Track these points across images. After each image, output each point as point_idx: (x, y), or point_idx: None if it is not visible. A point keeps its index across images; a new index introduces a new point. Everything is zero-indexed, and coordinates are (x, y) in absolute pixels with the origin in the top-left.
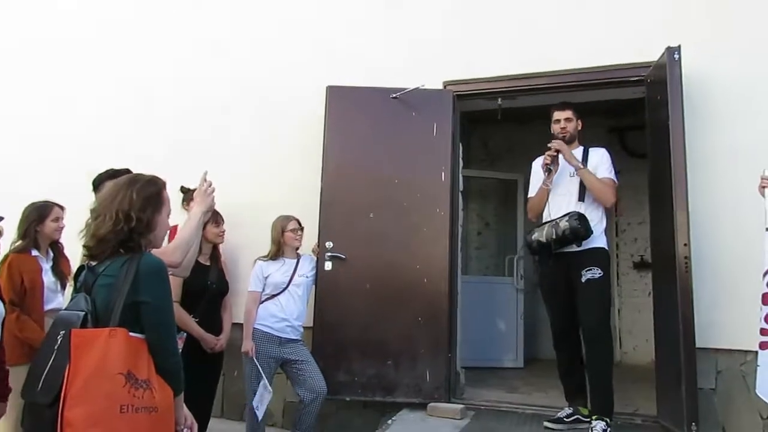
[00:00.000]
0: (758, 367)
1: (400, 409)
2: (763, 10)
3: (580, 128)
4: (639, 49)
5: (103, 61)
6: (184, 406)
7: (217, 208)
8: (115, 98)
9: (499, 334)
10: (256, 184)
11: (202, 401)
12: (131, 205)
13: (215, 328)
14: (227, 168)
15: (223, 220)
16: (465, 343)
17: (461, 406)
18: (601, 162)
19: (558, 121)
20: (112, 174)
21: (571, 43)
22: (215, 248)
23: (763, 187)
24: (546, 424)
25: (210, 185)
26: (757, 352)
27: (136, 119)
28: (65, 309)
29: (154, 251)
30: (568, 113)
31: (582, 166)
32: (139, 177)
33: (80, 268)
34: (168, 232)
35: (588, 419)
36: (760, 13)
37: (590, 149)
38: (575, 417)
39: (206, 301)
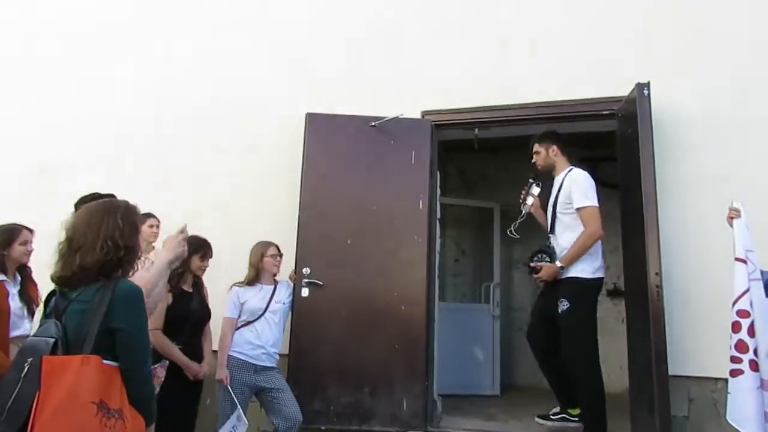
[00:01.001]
0: (729, 394)
1: None
2: (724, 48)
3: (556, 153)
4: (610, 84)
5: (69, 71)
6: None
7: (195, 233)
8: (91, 122)
9: (476, 361)
10: (234, 210)
11: (183, 428)
12: (121, 234)
13: (197, 355)
14: (205, 194)
15: (211, 255)
16: (442, 370)
17: None
18: (573, 188)
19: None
20: (96, 198)
21: (546, 76)
22: (200, 278)
23: (731, 217)
24: (537, 420)
25: (185, 236)
26: (727, 380)
27: (104, 137)
28: (34, 335)
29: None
30: (535, 147)
31: (565, 266)
32: (117, 203)
33: (51, 293)
34: None
35: (575, 419)
36: (721, 52)
37: (570, 171)
38: (561, 416)
39: (189, 327)
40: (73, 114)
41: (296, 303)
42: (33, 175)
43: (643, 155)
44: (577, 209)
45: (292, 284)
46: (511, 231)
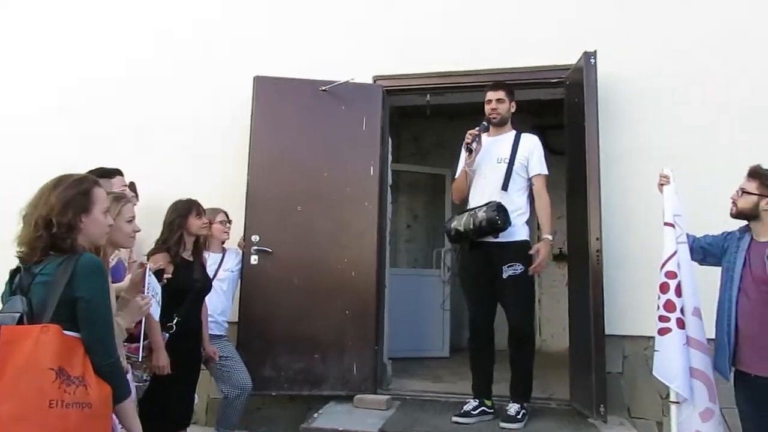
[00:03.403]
0: (657, 352)
1: (327, 402)
2: (669, 23)
3: (513, 111)
4: (560, 52)
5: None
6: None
7: (141, 199)
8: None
9: (426, 325)
10: (179, 175)
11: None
12: (51, 211)
13: (198, 328)
14: (148, 158)
15: (204, 211)
16: (393, 334)
17: (387, 396)
18: (533, 152)
19: (489, 101)
20: (102, 174)
21: (497, 43)
22: (198, 242)
23: (662, 184)
24: (454, 419)
25: (147, 303)
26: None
27: (43, 109)
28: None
29: None
30: (500, 94)
31: (551, 238)
32: (64, 178)
33: (15, 271)
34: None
35: (492, 410)
36: (667, 26)
37: (523, 135)
38: (481, 409)
39: (190, 300)
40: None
41: (245, 271)
42: None
43: (588, 124)
44: (536, 175)
45: (241, 252)
46: (468, 170)
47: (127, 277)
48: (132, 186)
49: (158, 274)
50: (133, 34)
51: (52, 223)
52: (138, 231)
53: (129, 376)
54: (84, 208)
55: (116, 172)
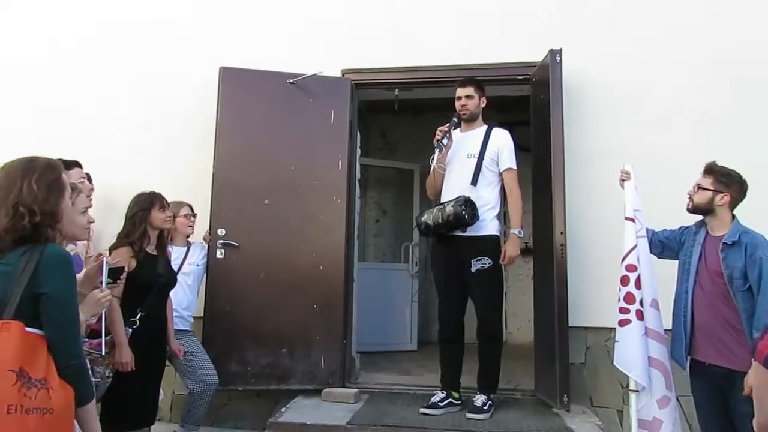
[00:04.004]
0: (617, 342)
1: (295, 396)
2: (632, 25)
3: (484, 104)
4: (527, 49)
5: None
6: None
7: (99, 190)
8: None
9: (395, 318)
10: (143, 167)
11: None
12: (34, 198)
13: (162, 323)
14: (110, 147)
15: (168, 204)
16: (361, 328)
17: (355, 390)
18: (504, 147)
19: (459, 98)
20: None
21: (464, 39)
22: (161, 235)
23: (623, 180)
24: (422, 410)
25: (106, 297)
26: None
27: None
28: None
29: None
30: (469, 90)
31: (519, 234)
32: (34, 163)
33: None
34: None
35: (459, 402)
36: (630, 27)
37: (494, 130)
38: (448, 400)
39: (154, 295)
40: None
41: (211, 265)
42: None
43: (554, 120)
44: (507, 170)
45: (206, 246)
46: (435, 166)
47: (83, 271)
48: (88, 177)
49: (116, 271)
50: (94, 20)
51: (35, 212)
52: (92, 222)
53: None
54: (60, 195)
55: (74, 164)
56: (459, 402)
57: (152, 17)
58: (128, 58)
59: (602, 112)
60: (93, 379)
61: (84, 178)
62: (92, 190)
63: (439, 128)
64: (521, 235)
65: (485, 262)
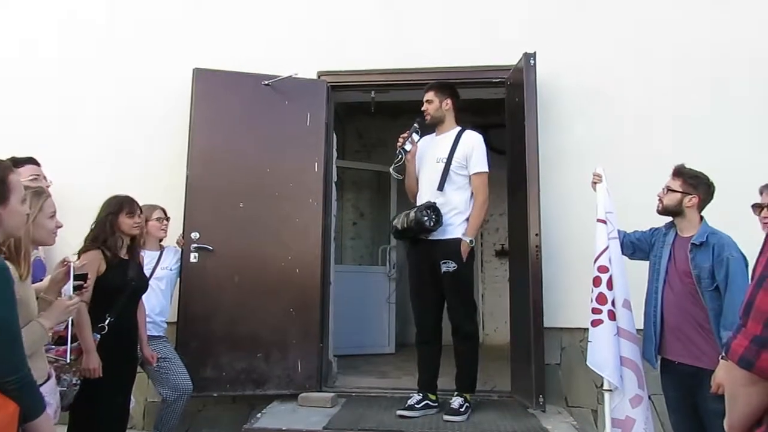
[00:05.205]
0: (590, 342)
1: (271, 401)
2: (606, 28)
3: (449, 107)
4: (502, 52)
5: None
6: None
7: (71, 192)
8: None
9: (372, 321)
10: (114, 169)
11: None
12: None
13: (132, 329)
14: (82, 149)
15: (140, 210)
16: (338, 332)
17: (332, 394)
18: (473, 151)
19: (423, 103)
20: (13, 163)
21: (440, 42)
22: (134, 239)
23: (594, 182)
24: (399, 413)
25: (74, 303)
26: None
27: None
28: None
29: None
30: (429, 95)
31: (469, 242)
32: None
33: None
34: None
35: (436, 404)
36: (605, 30)
37: (465, 132)
38: (425, 402)
39: (124, 300)
40: None
41: (185, 269)
42: None
43: (528, 123)
44: (475, 174)
45: (180, 250)
46: (391, 171)
47: (47, 277)
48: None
49: (81, 277)
50: (64, 18)
51: None
52: (60, 227)
53: (51, 383)
54: (2, 197)
55: (27, 161)
56: (436, 404)
57: (132, 17)
58: (107, 58)
59: (576, 114)
60: (59, 388)
61: (37, 175)
62: (48, 186)
63: (401, 135)
64: (472, 244)
65: (450, 265)
